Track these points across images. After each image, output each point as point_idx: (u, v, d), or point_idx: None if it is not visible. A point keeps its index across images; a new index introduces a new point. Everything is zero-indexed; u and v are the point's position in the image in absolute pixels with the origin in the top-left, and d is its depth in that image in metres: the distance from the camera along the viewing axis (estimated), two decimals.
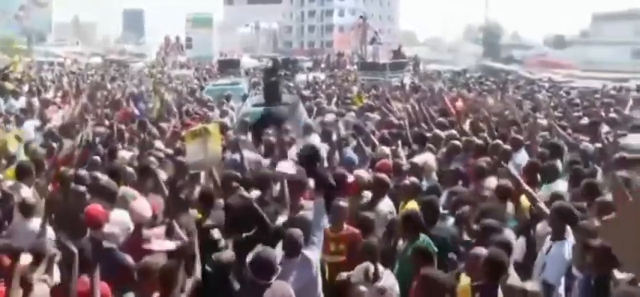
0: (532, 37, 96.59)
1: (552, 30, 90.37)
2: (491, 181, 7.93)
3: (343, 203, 6.75)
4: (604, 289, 4.97)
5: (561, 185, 7.92)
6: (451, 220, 6.79)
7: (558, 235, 5.86)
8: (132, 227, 6.24)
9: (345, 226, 6.71)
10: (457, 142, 9.87)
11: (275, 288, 5.01)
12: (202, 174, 8.79)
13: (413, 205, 7.05)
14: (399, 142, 10.25)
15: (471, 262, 5.34)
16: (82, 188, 7.23)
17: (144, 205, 6.58)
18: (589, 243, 5.33)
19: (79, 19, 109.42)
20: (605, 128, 12.28)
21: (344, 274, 5.87)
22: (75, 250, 5.01)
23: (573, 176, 8.04)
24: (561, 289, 5.67)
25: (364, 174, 8.32)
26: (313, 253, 5.83)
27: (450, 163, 9.17)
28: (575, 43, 75.57)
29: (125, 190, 7.30)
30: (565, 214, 6.00)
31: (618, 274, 5.04)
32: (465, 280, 5.42)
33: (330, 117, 12.07)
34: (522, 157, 9.45)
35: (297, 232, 5.77)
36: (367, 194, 7.82)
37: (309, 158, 7.09)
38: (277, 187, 7.77)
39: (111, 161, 9.08)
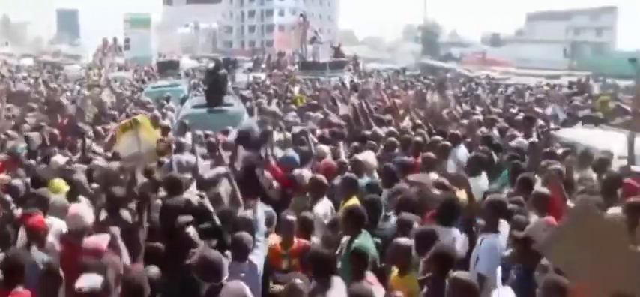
0: (470, 35, 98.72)
1: (489, 29, 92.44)
2: (432, 177, 8.04)
3: (291, 217, 6.54)
4: (530, 279, 5.09)
5: (483, 179, 8.05)
6: (394, 220, 6.73)
7: (490, 228, 5.93)
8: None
9: (295, 239, 6.48)
10: (395, 139, 9.96)
11: (230, 288, 4.87)
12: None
13: (354, 201, 7.04)
14: (341, 142, 10.31)
15: (393, 252, 5.60)
16: (8, 197, 6.97)
17: (82, 210, 6.35)
18: (515, 235, 5.50)
19: (9, 19, 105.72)
20: (539, 123, 12.71)
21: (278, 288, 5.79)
22: None
23: (512, 171, 8.19)
24: (498, 281, 5.75)
25: (306, 174, 8.29)
26: (258, 258, 5.79)
27: (389, 160, 9.24)
28: (510, 41, 77.64)
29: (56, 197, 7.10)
30: (498, 208, 6.09)
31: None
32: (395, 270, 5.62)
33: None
34: (462, 153, 9.56)
35: (246, 236, 5.70)
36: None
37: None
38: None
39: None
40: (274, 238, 6.59)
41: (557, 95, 20.48)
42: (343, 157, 9.28)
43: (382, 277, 5.67)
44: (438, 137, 9.91)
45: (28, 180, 7.90)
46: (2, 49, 67.03)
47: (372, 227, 6.42)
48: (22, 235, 6.09)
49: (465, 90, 22.60)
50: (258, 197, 6.52)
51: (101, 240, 5.94)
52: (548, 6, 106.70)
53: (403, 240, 5.67)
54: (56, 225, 6.30)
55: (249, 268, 5.65)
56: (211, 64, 17.04)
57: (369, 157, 9.08)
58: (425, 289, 5.23)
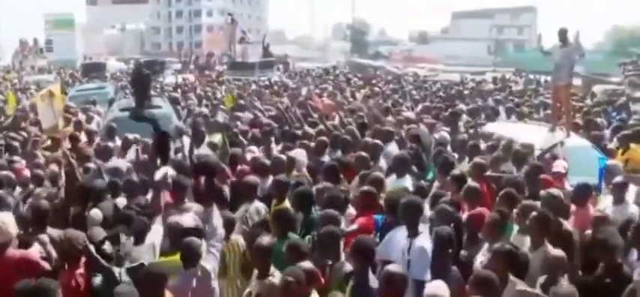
0: (397, 33, 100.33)
1: (416, 27, 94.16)
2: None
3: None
4: None
5: (407, 181, 8.05)
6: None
7: (414, 232, 5.87)
8: None
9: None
10: (325, 138, 10.04)
11: None
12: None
13: (285, 203, 7.10)
14: (272, 141, 10.33)
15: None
16: None
17: (11, 221, 5.91)
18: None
19: None
20: (464, 118, 13.07)
21: None
22: None
23: (441, 165, 8.37)
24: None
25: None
26: (211, 264, 5.68)
27: (319, 158, 9.30)
28: (437, 39, 79.33)
29: None
30: (414, 209, 6.06)
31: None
32: None
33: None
34: (393, 150, 9.65)
35: (195, 241, 5.58)
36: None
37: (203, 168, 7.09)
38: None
39: None
40: None
41: (483, 91, 21.08)
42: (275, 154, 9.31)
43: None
44: (370, 140, 9.97)
45: None
46: None
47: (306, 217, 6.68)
48: None
49: (394, 87, 22.89)
50: (214, 202, 6.29)
51: (32, 252, 5.81)
52: (472, 5, 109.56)
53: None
54: None
55: (201, 275, 5.50)
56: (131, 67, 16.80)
57: (299, 154, 9.13)
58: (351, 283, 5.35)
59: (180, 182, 7.65)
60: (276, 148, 10.02)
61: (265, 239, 5.65)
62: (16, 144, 10.86)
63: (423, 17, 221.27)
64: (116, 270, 5.59)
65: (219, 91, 21.24)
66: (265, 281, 5.34)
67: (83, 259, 5.60)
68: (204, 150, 10.12)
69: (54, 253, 5.88)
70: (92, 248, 5.66)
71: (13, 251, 5.68)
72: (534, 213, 5.89)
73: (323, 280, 5.54)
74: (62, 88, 10.64)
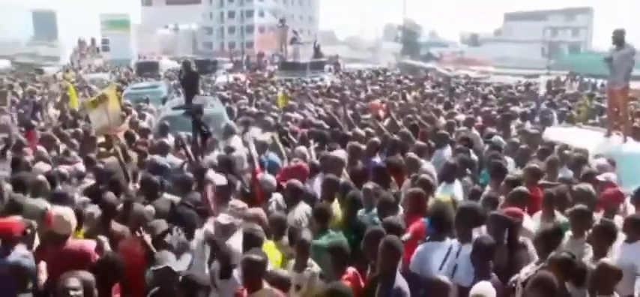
0: (449, 35, 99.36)
1: (467, 28, 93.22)
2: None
3: (258, 257, 5.24)
4: None
5: (457, 187, 7.96)
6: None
7: (466, 238, 5.78)
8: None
9: (265, 286, 5.25)
10: (377, 139, 10.00)
11: None
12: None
13: (334, 203, 7.13)
14: (312, 141, 10.35)
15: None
16: None
17: (69, 215, 6.24)
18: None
19: None
20: (517, 122, 12.84)
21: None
22: None
23: (494, 169, 8.21)
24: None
25: (270, 179, 8.27)
26: None
27: (370, 159, 9.26)
28: (489, 41, 78.25)
29: (36, 201, 7.07)
30: (471, 217, 5.96)
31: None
32: None
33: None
34: (448, 154, 9.52)
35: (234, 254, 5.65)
36: (277, 197, 7.62)
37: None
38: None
39: (15, 172, 8.68)
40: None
41: (536, 94, 20.68)
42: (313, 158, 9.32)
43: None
44: (421, 142, 9.90)
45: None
46: None
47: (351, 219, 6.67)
48: None
49: (444, 89, 22.65)
50: None
51: (88, 244, 6.02)
52: (525, 6, 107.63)
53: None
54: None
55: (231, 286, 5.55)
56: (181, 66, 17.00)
57: (340, 154, 9.11)
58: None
59: (230, 180, 7.76)
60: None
61: (307, 234, 5.73)
62: (74, 140, 11.26)
63: (474, 19, 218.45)
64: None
65: (270, 91, 21.37)
66: (304, 273, 5.41)
67: None
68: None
69: (107, 246, 6.11)
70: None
71: (73, 242, 5.96)
72: (598, 223, 5.73)
73: (363, 283, 5.56)
74: (117, 88, 10.81)
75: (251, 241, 5.67)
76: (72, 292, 4.93)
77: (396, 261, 5.29)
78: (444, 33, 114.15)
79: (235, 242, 5.94)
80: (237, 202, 7.09)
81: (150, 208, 7.01)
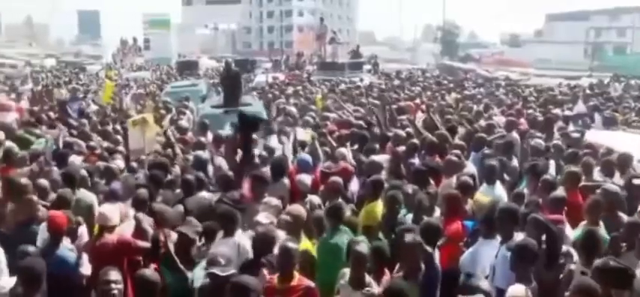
0: (489, 36, 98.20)
1: (508, 29, 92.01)
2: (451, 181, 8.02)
3: (292, 244, 5.45)
4: None
5: (498, 188, 7.93)
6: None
7: (507, 239, 5.77)
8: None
9: (296, 275, 5.39)
10: (416, 141, 9.94)
11: None
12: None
13: (378, 204, 7.14)
14: (350, 143, 10.33)
15: None
16: (33, 197, 7.07)
17: (111, 209, 6.47)
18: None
19: (32, 20, 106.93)
20: (559, 124, 12.61)
21: None
22: None
23: (534, 172, 8.10)
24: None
25: (306, 179, 8.26)
26: None
27: (409, 161, 9.22)
28: (530, 42, 77.01)
29: (83, 194, 7.25)
30: (512, 217, 5.97)
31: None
32: None
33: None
34: (485, 156, 9.41)
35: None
36: (311, 199, 7.61)
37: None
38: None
39: (62, 167, 8.87)
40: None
41: (578, 97, 20.25)
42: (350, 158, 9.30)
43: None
44: (461, 143, 9.79)
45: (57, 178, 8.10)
46: (27, 49, 68.02)
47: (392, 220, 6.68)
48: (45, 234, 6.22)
49: (485, 91, 22.35)
50: None
51: (126, 231, 6.20)
52: (567, 6, 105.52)
53: None
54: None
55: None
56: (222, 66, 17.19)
57: (380, 158, 9.09)
58: None
59: (261, 178, 7.80)
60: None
61: (363, 247, 5.58)
62: (119, 137, 11.48)
63: (515, 19, 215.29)
64: (189, 275, 5.78)
65: (309, 91, 21.40)
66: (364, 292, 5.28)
67: None
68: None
69: (150, 230, 6.22)
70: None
71: (112, 236, 6.13)
72: None
73: None
74: (155, 116, 11.01)
75: (265, 242, 5.73)
76: (113, 285, 5.04)
77: (418, 259, 5.35)
78: (483, 34, 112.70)
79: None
80: (271, 199, 7.14)
81: (179, 207, 7.13)
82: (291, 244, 5.35)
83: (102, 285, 5.07)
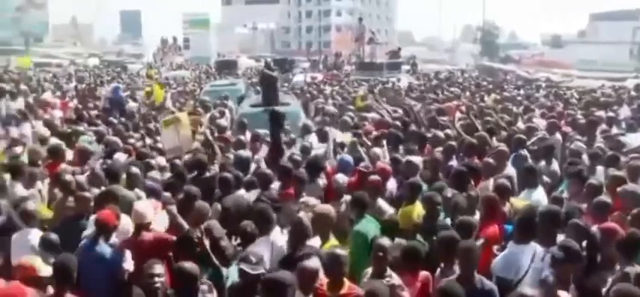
0: (529, 36, 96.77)
1: (549, 29, 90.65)
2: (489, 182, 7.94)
3: (342, 251, 5.39)
4: None
5: (539, 192, 7.81)
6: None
7: (550, 242, 5.67)
8: (131, 230, 6.32)
9: (346, 282, 5.29)
10: (454, 143, 9.86)
11: None
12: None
13: (417, 206, 7.14)
14: (384, 143, 10.30)
15: None
16: (87, 194, 7.24)
17: (146, 206, 6.61)
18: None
19: (77, 20, 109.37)
20: (602, 127, 12.33)
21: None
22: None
23: (575, 176, 7.93)
24: None
25: (342, 178, 8.27)
26: None
27: (447, 163, 9.15)
28: (572, 42, 75.57)
29: (125, 191, 7.40)
30: (554, 220, 5.90)
31: None
32: None
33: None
34: (524, 158, 9.34)
35: None
36: (347, 199, 7.56)
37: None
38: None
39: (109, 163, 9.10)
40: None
41: (622, 99, 19.80)
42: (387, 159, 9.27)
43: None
44: (502, 146, 9.66)
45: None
46: (71, 49, 69.70)
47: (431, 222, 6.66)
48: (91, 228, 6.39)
49: (524, 92, 22.01)
50: None
51: (160, 225, 6.36)
52: (612, 6, 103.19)
53: None
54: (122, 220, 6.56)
55: None
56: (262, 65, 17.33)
57: (418, 159, 9.05)
58: None
59: (299, 176, 7.84)
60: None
61: (384, 240, 5.65)
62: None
63: (557, 19, 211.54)
64: (224, 271, 5.87)
65: (347, 91, 21.39)
66: (383, 281, 5.29)
67: None
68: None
69: (184, 223, 6.32)
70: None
71: (148, 234, 6.25)
72: None
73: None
74: (190, 113, 11.14)
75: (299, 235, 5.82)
76: (156, 279, 5.14)
77: (474, 264, 5.25)
78: (524, 34, 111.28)
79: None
80: (308, 199, 7.17)
81: (216, 205, 7.21)
82: (339, 251, 5.31)
83: (146, 278, 5.21)
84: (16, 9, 76.59)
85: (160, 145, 10.67)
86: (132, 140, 11.30)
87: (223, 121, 13.45)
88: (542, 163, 9.26)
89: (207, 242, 5.99)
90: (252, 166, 9.23)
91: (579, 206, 6.84)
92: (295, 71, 35.32)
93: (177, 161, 9.42)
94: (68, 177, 7.90)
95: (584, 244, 5.68)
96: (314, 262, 5.16)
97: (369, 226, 6.57)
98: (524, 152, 9.60)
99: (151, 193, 7.51)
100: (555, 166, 9.27)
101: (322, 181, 8.45)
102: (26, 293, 4.90)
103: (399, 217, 7.09)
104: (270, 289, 4.72)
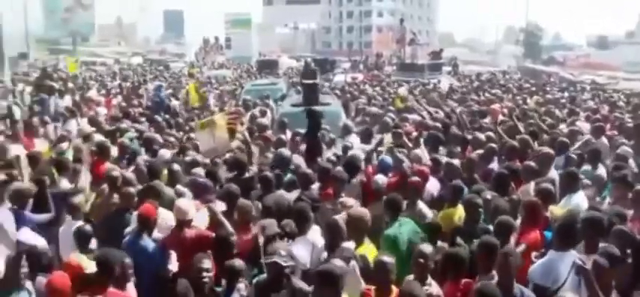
0: (574, 37, 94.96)
1: (595, 31, 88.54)
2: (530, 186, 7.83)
3: (389, 259, 5.31)
4: None
5: (580, 196, 7.54)
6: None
7: (592, 249, 5.52)
8: (173, 224, 6.45)
9: (394, 290, 5.22)
10: (494, 145, 9.77)
11: None
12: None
13: (459, 209, 7.12)
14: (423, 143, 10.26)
15: None
16: (132, 190, 7.39)
17: (188, 203, 6.71)
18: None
19: (122, 20, 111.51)
20: None
21: None
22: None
23: (620, 181, 7.72)
24: None
25: (382, 179, 8.24)
26: None
27: (487, 165, 9.06)
28: (619, 43, 73.83)
29: (166, 188, 7.55)
30: (597, 227, 5.73)
31: None
32: None
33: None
34: (567, 162, 9.17)
35: None
36: None
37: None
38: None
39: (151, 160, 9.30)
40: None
41: None
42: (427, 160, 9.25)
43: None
44: (546, 149, 9.50)
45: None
46: (116, 48, 71.21)
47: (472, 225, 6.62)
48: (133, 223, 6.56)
49: (569, 95, 21.59)
50: None
51: (201, 223, 6.44)
52: None
53: None
54: (163, 215, 6.73)
55: None
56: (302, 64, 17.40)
57: (456, 161, 9.00)
58: None
59: (338, 176, 7.86)
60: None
61: (427, 248, 5.61)
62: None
63: (603, 20, 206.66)
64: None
65: (388, 92, 21.34)
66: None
67: None
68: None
69: (225, 222, 6.39)
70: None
71: (190, 231, 6.33)
72: None
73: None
74: (228, 120, 11.27)
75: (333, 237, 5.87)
76: (204, 273, 5.23)
77: (513, 272, 5.18)
78: (569, 35, 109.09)
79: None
80: (346, 200, 7.19)
81: (257, 204, 7.28)
82: (387, 258, 5.23)
83: (195, 272, 5.31)
84: (66, 10, 78.75)
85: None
86: (172, 139, 11.51)
87: (264, 120, 13.55)
88: (587, 167, 9.07)
89: (261, 240, 6.03)
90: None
91: (624, 212, 6.68)
92: (336, 71, 35.33)
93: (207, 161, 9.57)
94: (115, 173, 8.10)
95: (628, 251, 5.54)
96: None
97: (401, 229, 6.53)
98: (573, 155, 9.41)
99: (203, 189, 7.60)
100: (601, 170, 9.04)
101: (358, 179, 8.43)
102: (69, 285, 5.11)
103: (440, 219, 7.06)
104: (323, 281, 4.77)
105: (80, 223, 6.67)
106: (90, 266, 5.54)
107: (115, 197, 7.59)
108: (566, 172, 8.02)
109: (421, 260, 5.45)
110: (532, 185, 7.76)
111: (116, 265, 5.23)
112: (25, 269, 5.31)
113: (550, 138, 10.57)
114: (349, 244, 5.96)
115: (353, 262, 5.52)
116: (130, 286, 5.36)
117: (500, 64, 53.65)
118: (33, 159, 9.02)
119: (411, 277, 5.48)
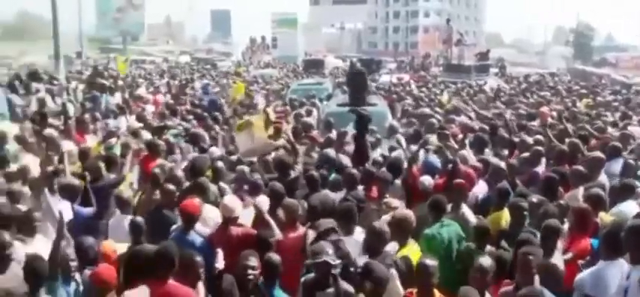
0: (628, 38, 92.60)
1: None
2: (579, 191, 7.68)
3: (431, 262, 5.21)
4: None
5: (630, 205, 7.19)
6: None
7: (637, 260, 5.22)
8: (219, 221, 6.56)
9: (437, 293, 5.19)
10: (541, 148, 9.62)
11: None
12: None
13: (505, 212, 7.08)
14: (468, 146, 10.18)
15: None
16: (172, 187, 7.51)
17: (234, 201, 6.78)
18: None
19: (170, 20, 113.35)
20: None
21: None
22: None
23: None
24: None
25: (428, 180, 8.21)
26: None
27: (533, 169, 8.94)
28: None
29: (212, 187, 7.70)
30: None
31: None
32: None
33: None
34: (618, 167, 8.84)
35: None
36: None
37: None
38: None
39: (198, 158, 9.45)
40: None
41: None
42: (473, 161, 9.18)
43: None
44: (597, 153, 9.28)
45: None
46: (164, 46, 72.59)
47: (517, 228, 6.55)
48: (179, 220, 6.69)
49: (622, 97, 21.00)
50: None
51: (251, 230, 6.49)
52: None
53: None
54: (207, 212, 6.86)
55: None
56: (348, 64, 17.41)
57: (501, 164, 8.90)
58: None
59: (382, 177, 7.87)
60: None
61: (487, 261, 5.47)
62: None
63: None
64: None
65: (434, 93, 21.19)
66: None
67: None
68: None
69: (271, 221, 6.48)
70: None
71: (236, 228, 6.43)
72: None
73: None
74: (265, 120, 11.34)
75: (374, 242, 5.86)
76: (250, 271, 5.32)
77: (532, 271, 5.16)
78: (622, 36, 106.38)
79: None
80: (391, 200, 7.20)
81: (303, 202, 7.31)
82: (429, 261, 5.15)
83: (241, 269, 5.40)
84: (117, 10, 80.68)
85: None
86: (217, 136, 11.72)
87: (310, 120, 13.63)
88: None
89: (311, 236, 6.09)
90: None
91: None
92: (381, 72, 35.24)
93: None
94: (157, 170, 8.27)
95: None
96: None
97: (441, 229, 6.53)
98: (632, 161, 9.16)
99: (254, 188, 7.70)
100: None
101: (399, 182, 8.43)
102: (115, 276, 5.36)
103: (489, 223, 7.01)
104: (369, 276, 4.94)
105: (130, 217, 6.83)
106: (120, 249, 5.93)
107: (157, 194, 7.74)
108: (622, 183, 7.71)
109: (478, 275, 5.34)
110: (581, 190, 7.58)
111: (176, 257, 5.24)
112: (74, 263, 5.55)
113: (601, 142, 10.34)
114: (392, 245, 5.98)
115: (393, 270, 5.52)
116: (200, 286, 5.41)
117: (549, 66, 52.65)
118: (83, 154, 9.34)
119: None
